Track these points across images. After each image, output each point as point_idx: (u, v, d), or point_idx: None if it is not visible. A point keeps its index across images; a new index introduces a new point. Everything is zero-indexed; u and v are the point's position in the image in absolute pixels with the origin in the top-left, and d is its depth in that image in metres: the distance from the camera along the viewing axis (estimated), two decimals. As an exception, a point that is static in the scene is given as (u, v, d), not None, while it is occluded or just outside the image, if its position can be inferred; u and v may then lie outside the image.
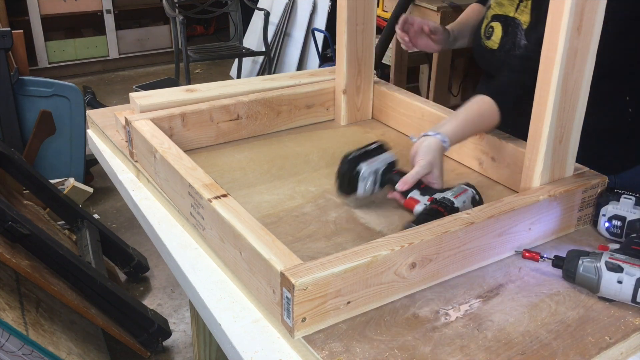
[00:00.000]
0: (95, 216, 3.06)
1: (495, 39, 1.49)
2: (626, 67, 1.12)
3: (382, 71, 3.75)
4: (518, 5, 1.45)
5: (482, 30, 1.53)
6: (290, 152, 1.52)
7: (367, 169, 1.22)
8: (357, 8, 1.54)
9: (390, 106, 1.65)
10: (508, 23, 1.47)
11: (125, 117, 1.44)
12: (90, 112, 1.71)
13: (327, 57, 4.26)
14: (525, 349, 0.90)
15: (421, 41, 1.56)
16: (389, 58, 3.76)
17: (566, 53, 1.04)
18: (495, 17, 1.50)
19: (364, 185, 1.23)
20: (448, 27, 1.62)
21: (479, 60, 1.58)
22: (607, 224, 1.15)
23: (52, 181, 2.77)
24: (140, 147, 1.39)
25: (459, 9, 3.29)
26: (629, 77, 1.27)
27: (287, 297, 0.89)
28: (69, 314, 2.06)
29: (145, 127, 1.38)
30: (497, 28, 1.49)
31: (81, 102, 3.19)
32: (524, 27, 1.42)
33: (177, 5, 4.57)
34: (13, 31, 3.06)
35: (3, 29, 2.97)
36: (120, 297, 2.07)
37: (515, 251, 1.11)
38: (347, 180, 1.23)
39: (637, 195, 1.15)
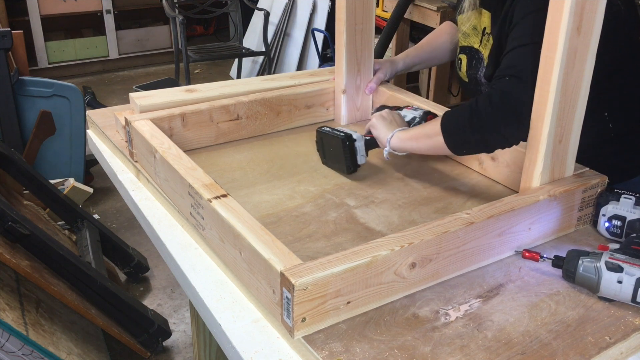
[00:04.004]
0: (95, 216, 3.06)
1: (463, 71, 1.49)
2: (600, 84, 1.13)
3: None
4: (482, 38, 1.42)
5: (456, 61, 1.53)
6: (290, 152, 1.52)
7: (359, 138, 1.38)
8: (356, 8, 1.54)
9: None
10: (472, 55, 1.45)
11: (125, 117, 1.44)
12: (90, 112, 1.71)
13: (327, 57, 4.26)
14: (525, 349, 0.90)
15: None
16: (388, 58, 3.76)
17: (566, 53, 1.04)
18: (462, 49, 1.49)
19: (362, 155, 1.39)
20: (401, 54, 1.70)
21: (461, 86, 1.59)
22: (607, 224, 1.15)
23: (52, 181, 2.77)
24: (140, 147, 1.39)
25: (458, 9, 3.29)
26: (604, 94, 1.27)
27: (287, 297, 0.89)
28: (69, 314, 2.06)
29: (145, 127, 1.38)
30: (464, 60, 1.48)
31: (81, 102, 3.19)
32: (485, 62, 1.41)
33: (177, 5, 4.57)
34: (13, 31, 3.06)
35: (3, 29, 2.97)
36: (120, 297, 2.07)
37: (515, 251, 1.11)
38: (350, 158, 1.37)
39: (637, 195, 1.15)
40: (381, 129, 1.37)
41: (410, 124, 1.41)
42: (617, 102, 1.36)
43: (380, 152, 1.44)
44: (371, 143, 1.40)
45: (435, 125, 1.24)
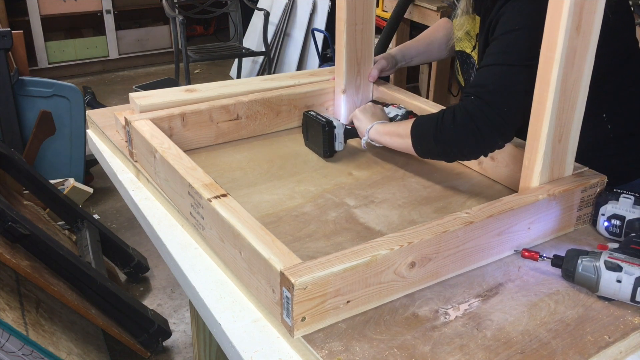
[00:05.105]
0: (95, 216, 3.06)
1: (460, 75, 1.51)
2: (596, 85, 1.13)
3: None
4: (475, 44, 1.43)
5: (455, 65, 1.55)
6: (290, 152, 1.52)
7: (339, 126, 1.46)
8: (356, 8, 1.54)
9: (389, 106, 1.65)
10: (464, 60, 1.47)
11: (125, 117, 1.44)
12: (90, 112, 1.71)
13: (327, 57, 4.26)
14: (524, 348, 0.90)
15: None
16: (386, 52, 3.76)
17: (565, 52, 1.04)
18: (457, 53, 1.51)
19: (340, 142, 1.47)
20: (397, 47, 1.71)
21: (460, 90, 1.61)
22: (606, 223, 1.16)
23: (52, 181, 2.77)
24: (140, 147, 1.39)
25: (458, 9, 3.29)
26: (601, 95, 1.27)
27: (286, 296, 0.89)
28: (69, 314, 2.07)
29: (145, 127, 1.38)
30: (459, 66, 1.51)
31: (81, 102, 3.19)
32: (477, 68, 1.41)
33: (177, 5, 4.57)
34: (13, 31, 3.06)
35: (3, 29, 2.97)
36: (120, 297, 2.07)
37: (515, 250, 1.12)
38: (328, 143, 1.46)
39: (636, 194, 1.15)
40: (363, 120, 1.45)
41: (392, 120, 1.47)
42: (615, 103, 1.36)
43: (380, 152, 1.44)
44: (351, 132, 1.48)
45: (407, 127, 1.31)
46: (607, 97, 1.33)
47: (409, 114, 1.48)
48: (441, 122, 1.23)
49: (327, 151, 1.46)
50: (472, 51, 1.44)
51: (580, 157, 1.19)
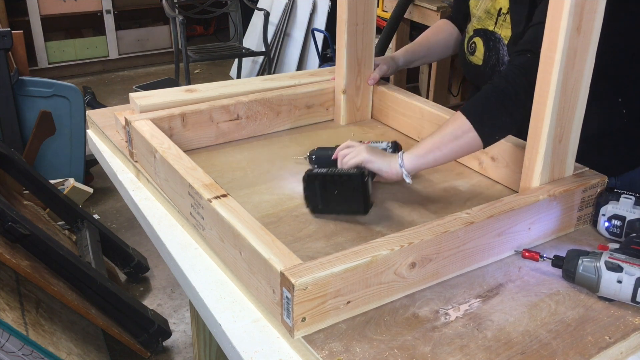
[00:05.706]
0: (95, 216, 3.06)
1: (479, 55, 1.49)
2: (616, 69, 1.12)
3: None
4: (497, 19, 1.43)
5: (465, 46, 1.53)
6: (290, 152, 1.52)
7: (370, 175, 1.22)
8: (357, 8, 1.54)
9: (389, 106, 1.65)
10: (489, 37, 1.46)
11: (125, 118, 1.44)
12: (90, 112, 1.71)
13: (327, 57, 4.26)
14: (525, 349, 0.90)
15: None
16: (388, 55, 3.76)
17: (566, 53, 1.04)
18: (476, 32, 1.50)
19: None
20: (400, 51, 1.71)
21: (466, 74, 1.59)
22: (606, 224, 1.15)
23: (52, 181, 2.77)
24: (140, 147, 1.39)
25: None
26: (619, 79, 1.27)
27: (287, 296, 0.89)
28: (69, 314, 2.06)
29: (145, 127, 1.38)
30: (479, 43, 1.49)
31: (81, 103, 3.19)
32: (506, 42, 1.42)
33: (177, 5, 4.57)
34: (13, 31, 3.06)
35: (3, 29, 2.97)
36: (120, 297, 2.07)
37: (515, 251, 1.12)
38: (367, 195, 1.20)
39: (637, 194, 1.15)
40: (378, 160, 1.24)
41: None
42: (633, 89, 1.35)
43: None
44: (372, 176, 1.25)
45: (459, 124, 1.19)
46: (627, 81, 1.32)
47: (396, 144, 1.37)
48: (504, 88, 1.17)
49: (369, 205, 1.20)
50: (494, 27, 1.44)
51: (588, 142, 1.17)
